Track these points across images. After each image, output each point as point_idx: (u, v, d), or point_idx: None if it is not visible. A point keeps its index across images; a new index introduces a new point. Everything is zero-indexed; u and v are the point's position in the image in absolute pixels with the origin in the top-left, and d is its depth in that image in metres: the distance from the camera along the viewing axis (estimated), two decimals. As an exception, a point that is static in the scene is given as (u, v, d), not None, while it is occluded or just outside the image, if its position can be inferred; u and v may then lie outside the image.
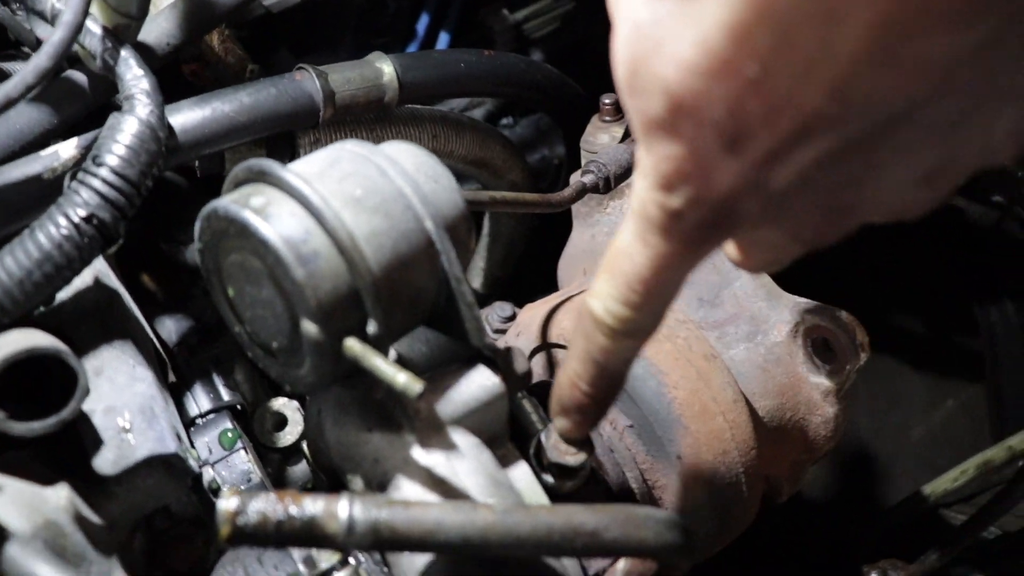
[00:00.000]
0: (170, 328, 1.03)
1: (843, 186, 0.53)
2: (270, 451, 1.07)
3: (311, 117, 0.98)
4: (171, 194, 1.26)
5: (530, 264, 1.28)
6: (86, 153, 0.88)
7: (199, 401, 0.94)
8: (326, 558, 0.79)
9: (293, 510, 0.67)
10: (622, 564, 0.84)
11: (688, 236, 0.56)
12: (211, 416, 0.93)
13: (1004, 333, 1.59)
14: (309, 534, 0.67)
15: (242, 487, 0.89)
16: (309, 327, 0.71)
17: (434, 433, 0.78)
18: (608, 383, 0.71)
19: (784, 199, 0.54)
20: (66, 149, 0.88)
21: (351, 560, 0.81)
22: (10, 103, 0.82)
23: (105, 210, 0.80)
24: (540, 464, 0.84)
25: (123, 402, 0.81)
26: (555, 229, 1.21)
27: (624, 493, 0.90)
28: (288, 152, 1.02)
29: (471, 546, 0.69)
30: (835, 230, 0.58)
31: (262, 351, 0.78)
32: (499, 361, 0.80)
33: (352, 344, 0.71)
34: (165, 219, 1.25)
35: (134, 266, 1.17)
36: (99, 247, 0.81)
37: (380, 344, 0.73)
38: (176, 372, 0.98)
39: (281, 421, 1.08)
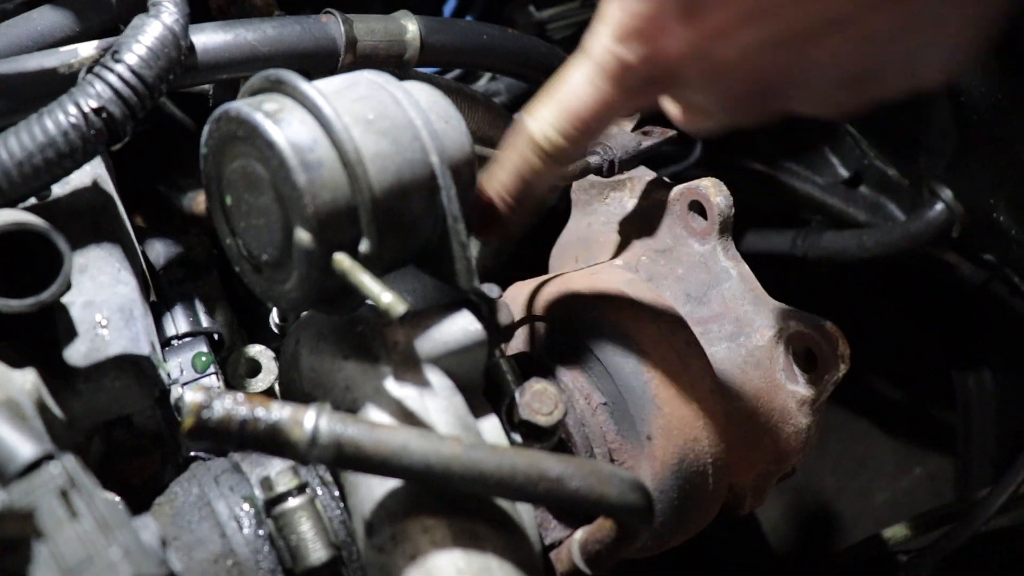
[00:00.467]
0: (159, 252, 1.02)
1: (776, 71, 0.59)
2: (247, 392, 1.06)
3: (331, 60, 0.98)
4: (175, 137, 1.25)
5: (524, 257, 1.28)
6: (105, 54, 0.88)
7: (178, 323, 0.93)
8: (283, 483, 0.78)
9: (259, 412, 0.66)
10: (579, 534, 0.83)
11: (632, 87, 0.65)
12: (188, 339, 0.92)
13: (979, 403, 1.59)
14: (272, 439, 0.66)
15: (208, 410, 0.87)
16: (302, 235, 0.71)
17: (409, 368, 0.77)
18: (527, 201, 0.78)
19: (722, 72, 0.60)
20: (86, 48, 0.88)
21: (307, 490, 0.79)
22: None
23: (116, 105, 0.80)
24: (511, 423, 0.83)
25: (103, 299, 0.81)
26: (552, 222, 1.21)
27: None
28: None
29: (433, 475, 0.68)
30: (761, 110, 0.64)
31: (250, 265, 0.78)
32: (484, 308, 0.80)
33: (342, 258, 0.71)
34: (167, 162, 1.25)
35: (129, 206, 1.17)
36: (104, 142, 0.81)
37: (370, 265, 0.73)
38: (158, 293, 0.97)
39: (255, 368, 1.07)
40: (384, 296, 0.69)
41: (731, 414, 0.93)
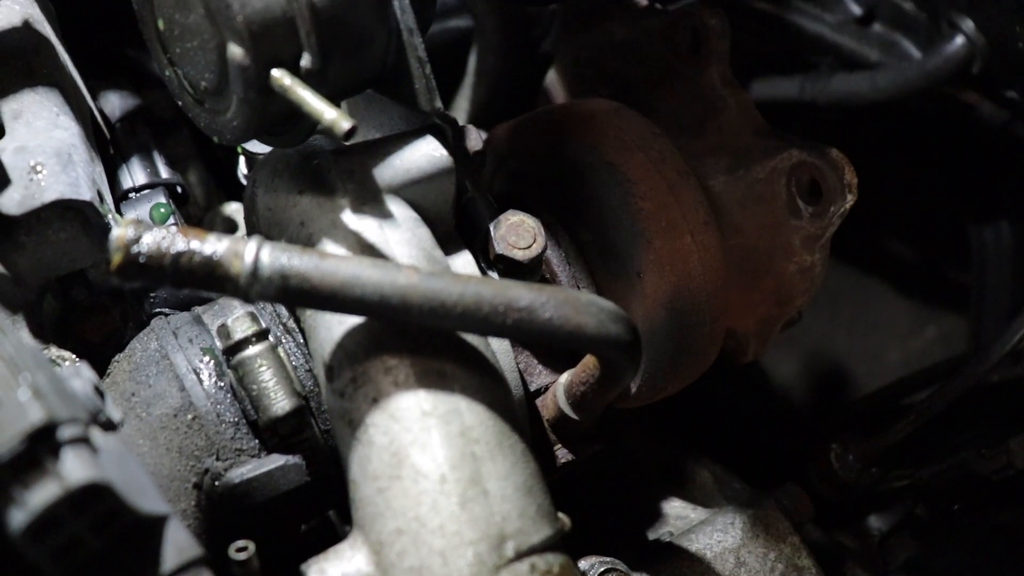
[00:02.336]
0: (114, 104, 0.95)
1: None
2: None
3: None
4: None
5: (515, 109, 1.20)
6: None
7: (135, 175, 0.87)
8: (240, 329, 0.72)
9: (194, 244, 0.60)
10: (564, 376, 0.78)
11: None
12: (146, 192, 0.86)
13: (995, 257, 1.50)
14: (208, 273, 0.60)
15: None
16: (235, 51, 0.63)
17: (368, 199, 0.71)
18: None
19: None
20: None
21: (270, 337, 0.74)
22: None
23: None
24: (487, 260, 0.77)
25: (38, 144, 0.75)
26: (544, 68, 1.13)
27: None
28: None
29: (389, 308, 0.62)
30: None
31: (191, 97, 0.71)
32: (449, 133, 0.73)
33: (280, 75, 0.64)
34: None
35: (98, 74, 1.09)
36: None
37: (313, 82, 0.65)
38: (115, 146, 0.91)
39: (232, 227, 1.02)
40: (327, 112, 0.62)
41: (729, 252, 0.86)
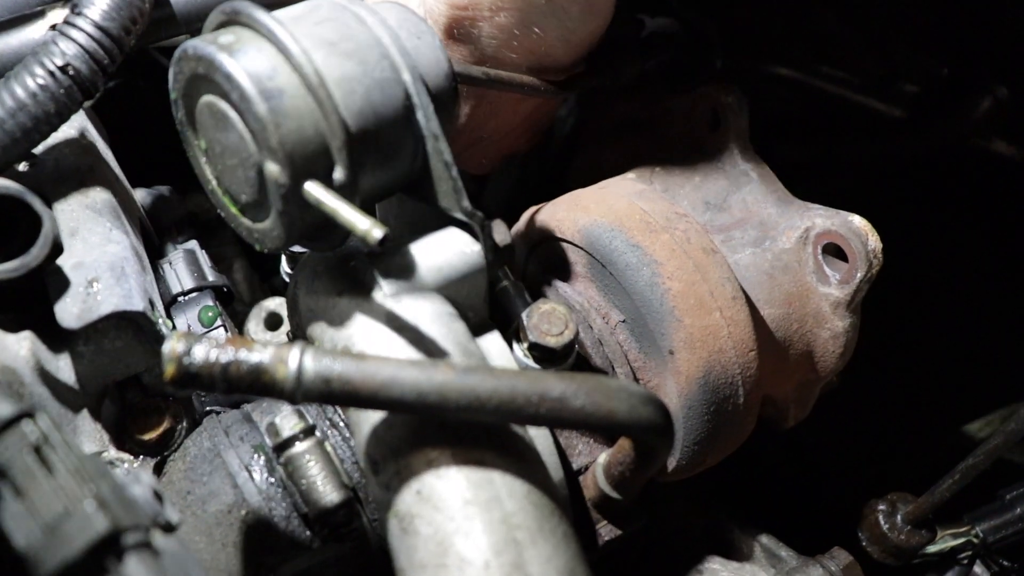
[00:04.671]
0: (162, 210, 1.01)
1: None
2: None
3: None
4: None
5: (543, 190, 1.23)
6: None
7: (183, 279, 0.91)
8: (288, 427, 0.76)
9: (241, 354, 0.64)
10: (602, 457, 0.80)
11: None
12: (194, 294, 0.90)
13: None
14: (256, 380, 0.64)
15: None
16: (272, 168, 0.68)
17: (404, 298, 0.74)
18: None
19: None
20: (59, 15, 0.86)
21: (317, 432, 0.77)
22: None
23: (82, 61, 0.78)
24: (522, 348, 0.79)
25: (93, 259, 0.79)
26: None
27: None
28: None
29: (427, 405, 0.64)
30: None
31: (234, 210, 0.75)
32: (477, 228, 0.76)
33: (312, 187, 0.68)
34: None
35: (146, 181, 1.14)
36: (76, 100, 0.79)
37: (346, 193, 0.69)
38: (163, 252, 0.96)
39: (276, 320, 1.06)
40: (361, 223, 0.66)
41: (761, 323, 0.88)
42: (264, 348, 0.65)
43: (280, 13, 0.72)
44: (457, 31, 0.88)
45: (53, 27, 0.81)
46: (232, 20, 0.72)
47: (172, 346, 0.63)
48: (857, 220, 0.87)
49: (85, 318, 0.76)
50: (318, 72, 0.67)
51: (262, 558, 0.75)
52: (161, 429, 0.82)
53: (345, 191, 0.69)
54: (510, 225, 1.01)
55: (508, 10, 0.86)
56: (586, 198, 0.91)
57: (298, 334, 0.84)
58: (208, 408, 0.85)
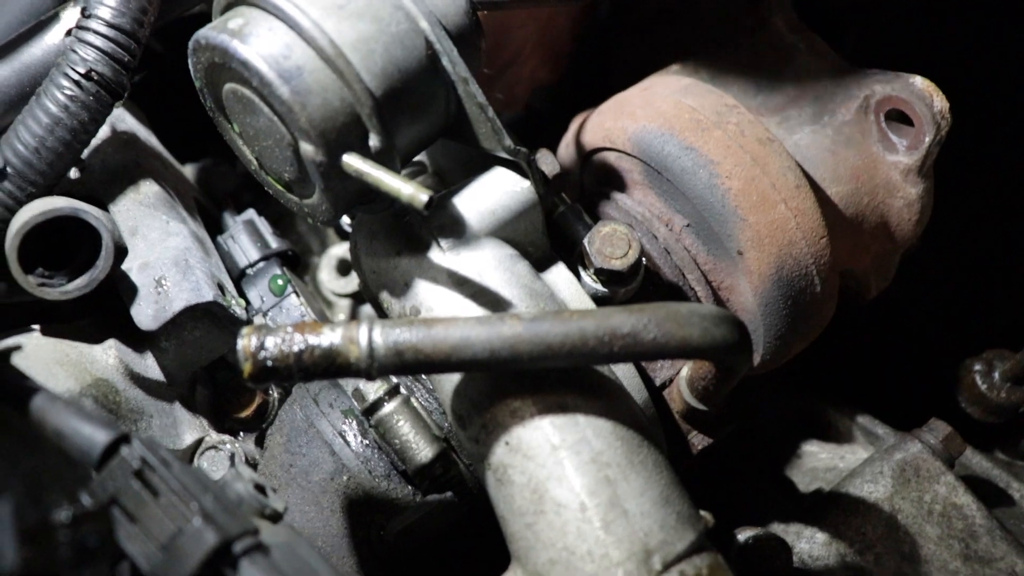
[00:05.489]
0: (215, 184, 1.01)
1: None
2: (339, 297, 1.06)
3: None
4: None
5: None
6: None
7: (247, 252, 0.92)
8: (373, 390, 0.77)
9: (312, 340, 0.65)
10: (684, 370, 0.79)
11: None
12: (260, 265, 0.91)
13: None
14: (331, 363, 0.65)
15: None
16: (307, 148, 0.67)
17: (462, 248, 0.73)
18: None
19: None
20: (72, 15, 0.85)
21: (402, 390, 0.79)
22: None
23: (103, 64, 0.77)
24: (588, 273, 0.79)
25: (157, 257, 0.80)
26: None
27: (686, 299, 0.84)
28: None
29: (500, 361, 0.65)
30: None
31: (280, 187, 0.75)
32: (524, 164, 0.74)
33: (350, 160, 0.67)
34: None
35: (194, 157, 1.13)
36: (107, 103, 0.79)
37: (385, 158, 0.68)
38: (223, 226, 0.97)
39: (346, 266, 1.07)
40: (404, 189, 0.65)
41: (829, 203, 0.85)
42: (333, 330, 0.65)
43: (285, -16, 0.70)
44: None
45: (69, 32, 0.80)
46: (239, 1, 0.70)
47: (245, 344, 0.64)
48: (919, 82, 0.82)
49: (160, 318, 0.78)
50: (332, 41, 0.65)
51: (370, 518, 0.78)
52: (255, 404, 0.85)
53: (383, 156, 0.68)
54: (558, 137, 0.99)
55: None
56: (632, 102, 0.88)
57: (367, 293, 0.85)
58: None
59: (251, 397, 0.85)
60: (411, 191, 0.65)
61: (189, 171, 1.01)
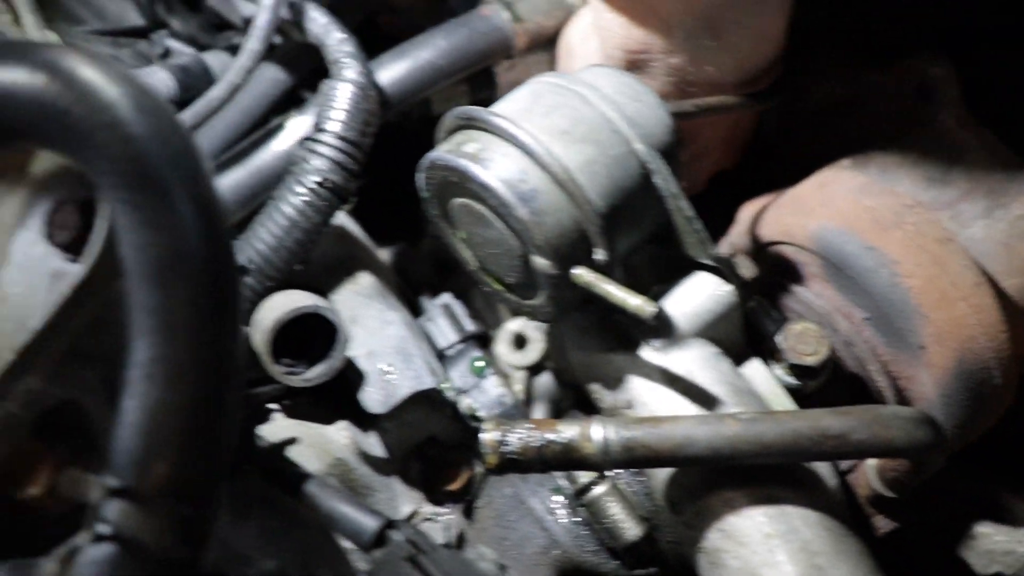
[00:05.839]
0: (408, 268, 1.10)
1: None
2: (516, 369, 1.12)
3: (505, 51, 1.00)
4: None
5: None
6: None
7: (446, 334, 1.00)
8: (585, 473, 0.84)
9: (550, 436, 0.72)
10: (872, 460, 0.84)
11: None
12: (459, 346, 0.99)
13: None
14: (567, 457, 0.72)
15: (496, 411, 0.94)
16: (540, 262, 0.74)
17: (671, 348, 0.80)
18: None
19: None
20: (300, 125, 0.95)
21: (608, 474, 0.86)
22: (234, 90, 0.89)
23: (335, 172, 0.86)
24: (781, 367, 0.84)
25: (380, 346, 0.89)
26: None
27: (867, 388, 0.89)
28: (487, 85, 1.04)
29: (720, 457, 0.71)
30: None
31: (499, 287, 0.83)
32: (725, 269, 0.80)
33: (581, 274, 0.74)
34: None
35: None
36: (336, 207, 0.88)
37: (608, 269, 0.75)
38: (418, 309, 1.05)
39: (522, 340, 1.14)
40: (631, 301, 0.72)
41: (1005, 295, 0.89)
42: (568, 426, 0.73)
43: (508, 108, 0.78)
44: (635, 69, 0.91)
45: (303, 141, 0.89)
46: (468, 125, 0.78)
47: (490, 439, 0.72)
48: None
49: (388, 403, 0.86)
50: (564, 167, 0.73)
51: (580, 591, 0.85)
52: (465, 478, 0.92)
53: (607, 268, 0.76)
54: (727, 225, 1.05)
55: (679, 53, 0.88)
56: (809, 199, 0.93)
57: (565, 378, 0.92)
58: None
59: (459, 472, 0.92)
60: (638, 303, 0.72)
61: (384, 255, 1.10)
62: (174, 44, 1.02)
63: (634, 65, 0.90)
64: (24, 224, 0.61)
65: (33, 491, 0.63)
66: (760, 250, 0.98)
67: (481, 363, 0.97)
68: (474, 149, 0.75)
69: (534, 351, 1.14)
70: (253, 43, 0.88)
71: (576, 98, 0.78)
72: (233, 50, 1.06)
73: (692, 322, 0.81)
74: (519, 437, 0.72)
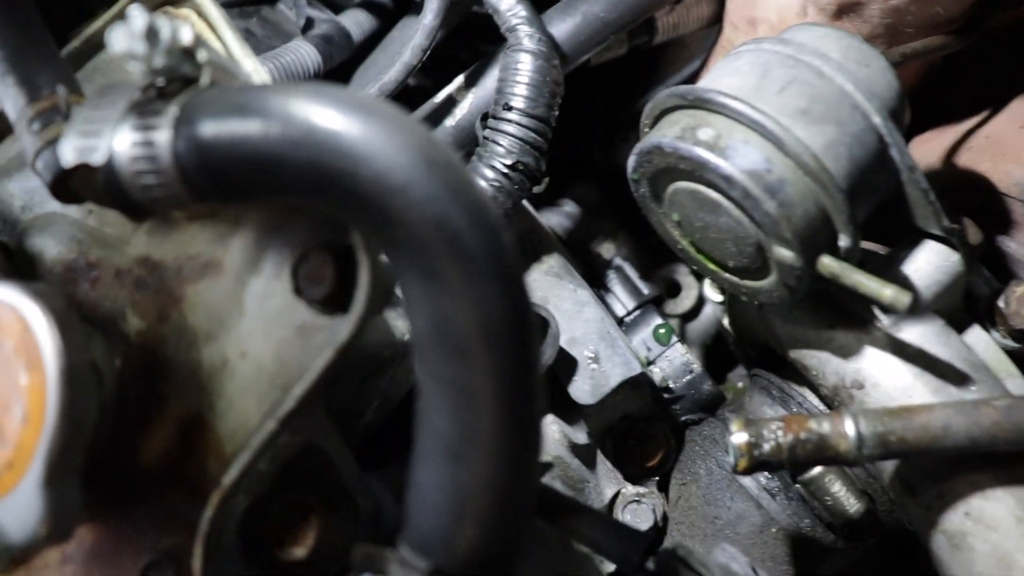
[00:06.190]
0: (576, 232, 1.06)
1: None
2: (670, 317, 1.09)
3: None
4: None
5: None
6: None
7: (623, 300, 0.96)
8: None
9: (803, 435, 0.70)
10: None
11: None
12: (637, 312, 0.96)
13: None
14: (820, 455, 0.70)
15: (685, 378, 0.92)
16: (784, 253, 0.70)
17: (904, 323, 0.77)
18: None
19: None
20: (461, 94, 0.89)
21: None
22: (410, 71, 0.83)
23: (527, 153, 0.81)
24: (1000, 332, 0.82)
25: (581, 332, 0.86)
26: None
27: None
28: (647, 30, 0.98)
29: (979, 446, 0.69)
30: None
31: (714, 267, 0.79)
32: (956, 241, 0.77)
33: (829, 263, 0.71)
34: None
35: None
36: (528, 189, 0.83)
37: (851, 256, 0.72)
38: (593, 276, 1.01)
39: (674, 286, 1.11)
40: (886, 292, 0.68)
41: None
42: (819, 421, 0.70)
43: (735, 86, 0.72)
44: (845, 13, 0.85)
45: (486, 119, 0.84)
46: (692, 105, 0.73)
47: (740, 442, 0.70)
48: None
49: (599, 393, 0.84)
50: (813, 153, 0.68)
51: (799, 566, 0.84)
52: (662, 453, 0.91)
53: (851, 254, 0.72)
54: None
55: None
56: (1011, 143, 0.88)
57: (752, 340, 0.90)
58: (684, 418, 0.93)
59: (656, 445, 0.91)
60: (892, 294, 0.68)
61: (553, 219, 1.05)
62: (312, 11, 0.94)
63: (845, 9, 0.83)
64: (256, 270, 0.57)
65: (298, 553, 0.62)
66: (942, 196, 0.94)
67: (664, 330, 0.94)
68: (710, 136, 0.70)
69: (688, 299, 1.12)
70: (429, 18, 0.81)
71: (808, 70, 0.72)
72: (370, 7, 0.99)
73: (922, 296, 0.78)
74: (771, 438, 0.70)
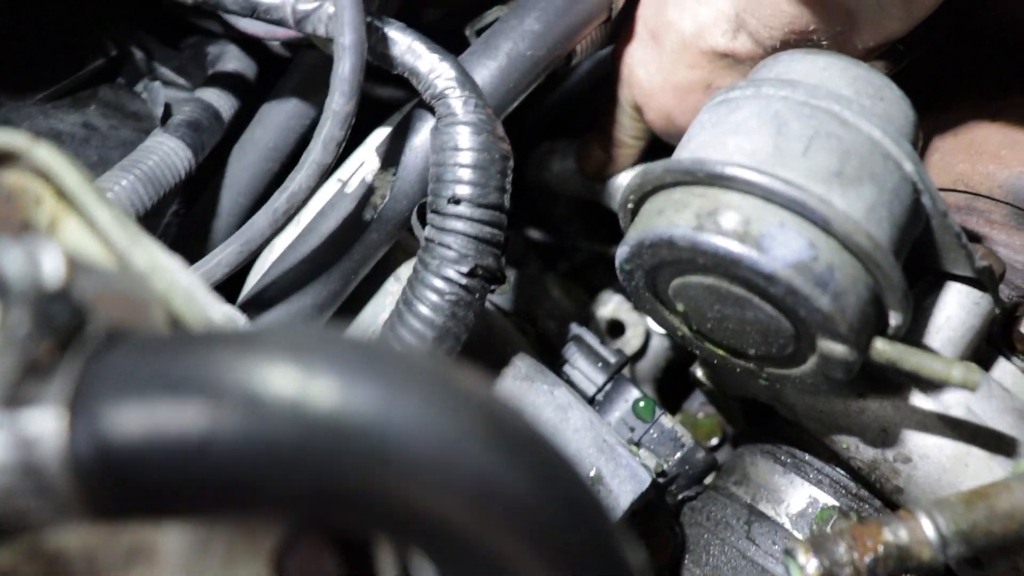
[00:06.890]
0: (516, 302, 0.91)
1: None
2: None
3: (605, 12, 0.77)
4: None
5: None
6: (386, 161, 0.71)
7: (591, 376, 0.82)
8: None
9: (881, 550, 0.60)
10: None
11: None
12: (607, 386, 0.83)
13: None
14: (902, 567, 0.61)
15: (676, 455, 0.80)
16: (835, 348, 0.59)
17: (938, 381, 0.68)
18: None
19: None
20: (368, 166, 0.71)
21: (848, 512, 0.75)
22: (324, 171, 0.64)
23: (485, 254, 0.66)
24: (1019, 356, 0.75)
25: (575, 449, 0.72)
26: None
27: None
28: (567, 61, 0.82)
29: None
30: None
31: (725, 353, 0.67)
32: (986, 281, 0.68)
33: (884, 348, 0.60)
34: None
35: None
36: (489, 291, 0.68)
37: (901, 333, 0.61)
38: (546, 347, 0.87)
39: (618, 326, 0.99)
40: (954, 373, 0.59)
41: None
42: (894, 530, 0.60)
43: (750, 148, 0.59)
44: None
45: (424, 213, 0.67)
46: (696, 182, 0.59)
47: (815, 572, 0.59)
48: None
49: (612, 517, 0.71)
50: (865, 232, 0.56)
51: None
52: (670, 547, 0.80)
53: (900, 331, 0.61)
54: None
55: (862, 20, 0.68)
56: (989, 143, 0.80)
57: (736, 392, 0.80)
58: (681, 496, 0.82)
59: (663, 542, 0.80)
60: (961, 375, 0.59)
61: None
62: (169, 93, 0.73)
63: (787, 44, 0.70)
64: (209, 555, 0.39)
65: None
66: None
67: (644, 403, 0.81)
68: (736, 224, 0.57)
69: (636, 337, 1.00)
70: (340, 102, 0.62)
71: (828, 119, 0.60)
72: (229, 76, 0.79)
73: (957, 346, 0.69)
74: (847, 561, 0.59)
